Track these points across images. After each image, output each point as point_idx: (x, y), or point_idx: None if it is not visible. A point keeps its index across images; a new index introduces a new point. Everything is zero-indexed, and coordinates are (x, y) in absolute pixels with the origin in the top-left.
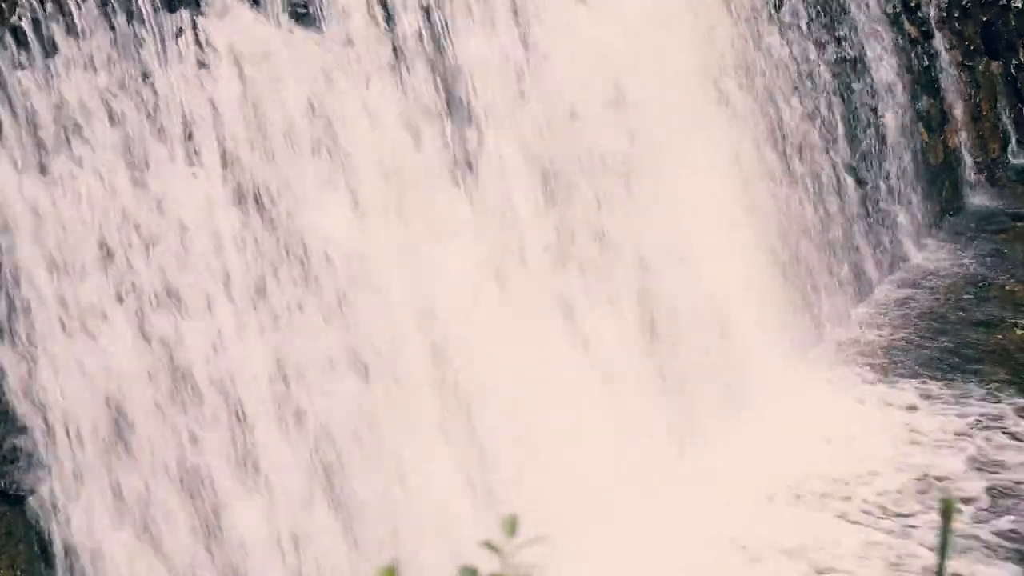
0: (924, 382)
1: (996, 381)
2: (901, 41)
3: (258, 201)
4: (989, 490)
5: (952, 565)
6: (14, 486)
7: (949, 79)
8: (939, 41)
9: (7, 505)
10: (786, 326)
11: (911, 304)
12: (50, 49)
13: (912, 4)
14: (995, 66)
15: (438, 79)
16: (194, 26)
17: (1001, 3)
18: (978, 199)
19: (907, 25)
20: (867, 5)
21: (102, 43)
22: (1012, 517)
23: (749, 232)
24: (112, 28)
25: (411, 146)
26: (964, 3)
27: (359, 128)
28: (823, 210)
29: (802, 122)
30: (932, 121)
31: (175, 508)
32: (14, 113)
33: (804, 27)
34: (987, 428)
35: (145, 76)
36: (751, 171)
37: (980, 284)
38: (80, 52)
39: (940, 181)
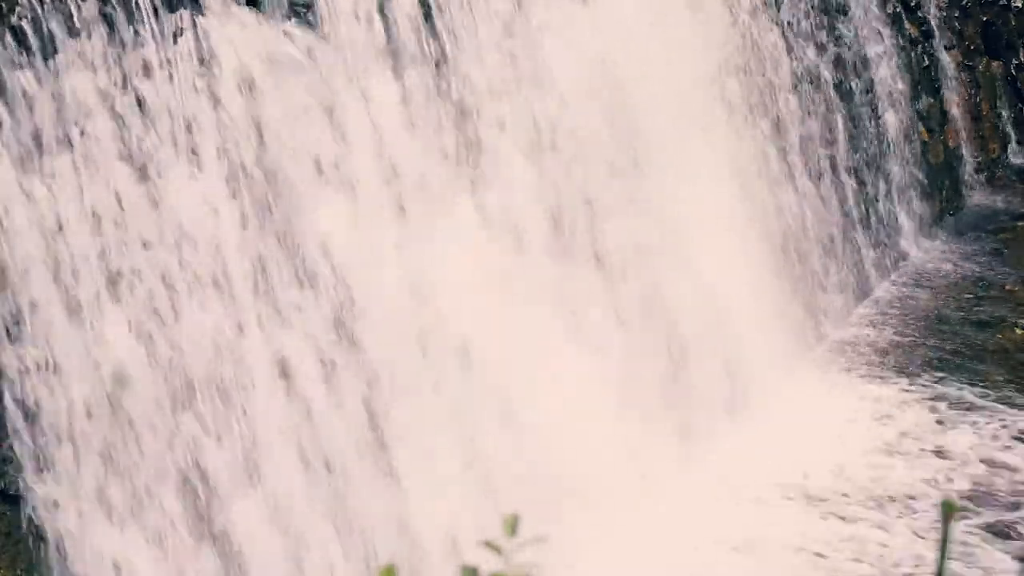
0: (923, 382)
1: (996, 381)
2: (901, 41)
3: (258, 198)
4: (988, 489)
5: (952, 564)
6: (14, 486)
7: (949, 79)
8: (939, 41)
9: (7, 505)
10: (786, 326)
11: (911, 304)
12: (50, 49)
13: (912, 4)
14: (995, 66)
15: (437, 77)
16: (194, 25)
17: (1001, 3)
18: (978, 199)
19: (907, 25)
20: (867, 5)
21: (102, 43)
22: (1012, 516)
23: (749, 232)
24: (112, 28)
25: (411, 145)
26: (964, 3)
27: (359, 124)
28: (823, 210)
29: (802, 122)
30: (932, 121)
31: (175, 508)
32: (14, 112)
33: (804, 27)
34: (987, 427)
35: (145, 75)
36: (751, 171)
37: (980, 284)
38: (80, 52)
39: (940, 181)
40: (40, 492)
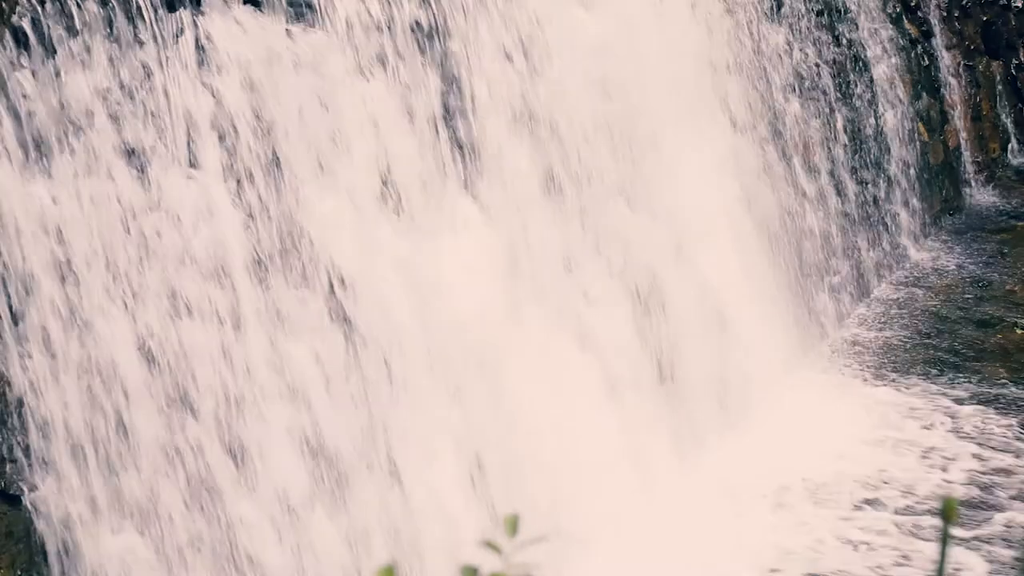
0: (923, 382)
1: (996, 381)
2: (901, 41)
3: (259, 199)
4: (988, 489)
5: (952, 564)
6: (14, 486)
7: (949, 79)
8: (939, 41)
9: (7, 505)
10: (786, 326)
11: (911, 304)
12: (50, 49)
13: (912, 4)
14: (995, 66)
15: (438, 76)
16: (194, 25)
17: (1001, 3)
18: (978, 199)
19: (907, 25)
20: (867, 5)
21: (102, 43)
22: (1011, 516)
23: (749, 232)
24: (112, 28)
25: (411, 144)
26: (964, 3)
27: (359, 125)
28: (823, 210)
29: (802, 122)
30: (932, 121)
31: (176, 508)
32: (14, 113)
33: (804, 27)
34: (987, 427)
35: (145, 75)
36: (751, 171)
37: (980, 284)
38: (80, 52)
39: (940, 181)
40: (41, 492)
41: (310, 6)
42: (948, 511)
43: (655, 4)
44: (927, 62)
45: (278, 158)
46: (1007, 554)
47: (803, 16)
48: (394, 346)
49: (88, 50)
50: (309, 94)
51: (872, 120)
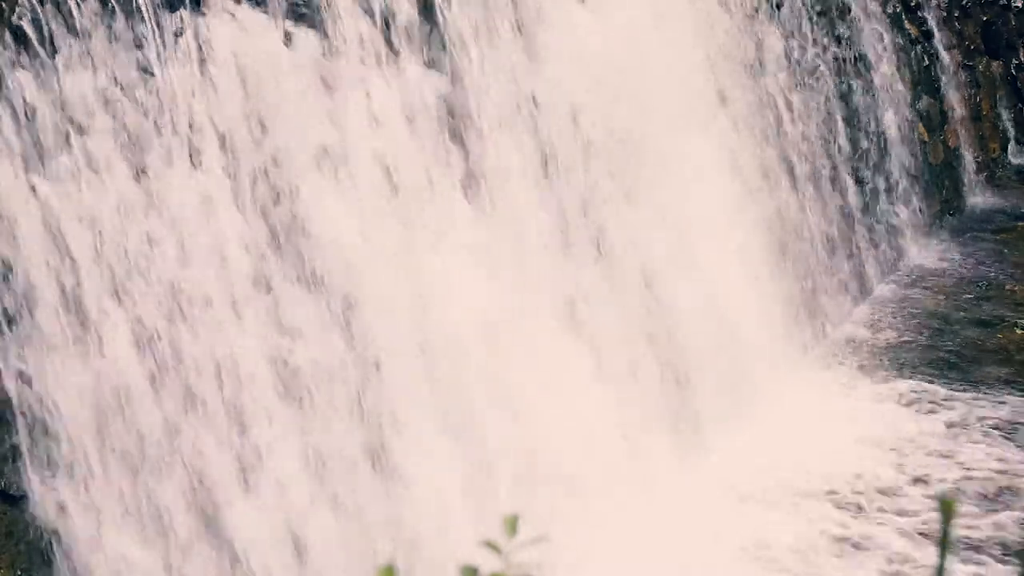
0: (924, 382)
1: (996, 381)
2: (901, 41)
3: (259, 197)
4: (987, 488)
5: (951, 564)
6: (14, 486)
7: (949, 79)
8: (939, 41)
9: (7, 505)
10: (786, 326)
11: (911, 304)
12: (50, 49)
13: (912, 4)
14: (995, 66)
15: (438, 78)
16: (194, 25)
17: (1001, 3)
18: (978, 199)
19: (907, 25)
20: (867, 5)
21: (102, 43)
22: (1010, 516)
23: (749, 232)
24: (112, 28)
25: (411, 145)
26: (964, 3)
27: (359, 126)
28: (823, 210)
29: (802, 122)
30: (932, 121)
31: (176, 508)
32: (14, 113)
33: (804, 27)
34: (986, 427)
35: (145, 75)
36: (751, 171)
37: (980, 284)
38: (80, 52)
39: (940, 181)
40: (42, 492)
41: (311, 6)
42: (947, 511)
43: (655, 4)
44: (927, 62)
45: (279, 157)
46: (1006, 552)
47: (803, 16)
48: (394, 343)
49: (88, 50)
50: (309, 93)
51: (872, 120)
